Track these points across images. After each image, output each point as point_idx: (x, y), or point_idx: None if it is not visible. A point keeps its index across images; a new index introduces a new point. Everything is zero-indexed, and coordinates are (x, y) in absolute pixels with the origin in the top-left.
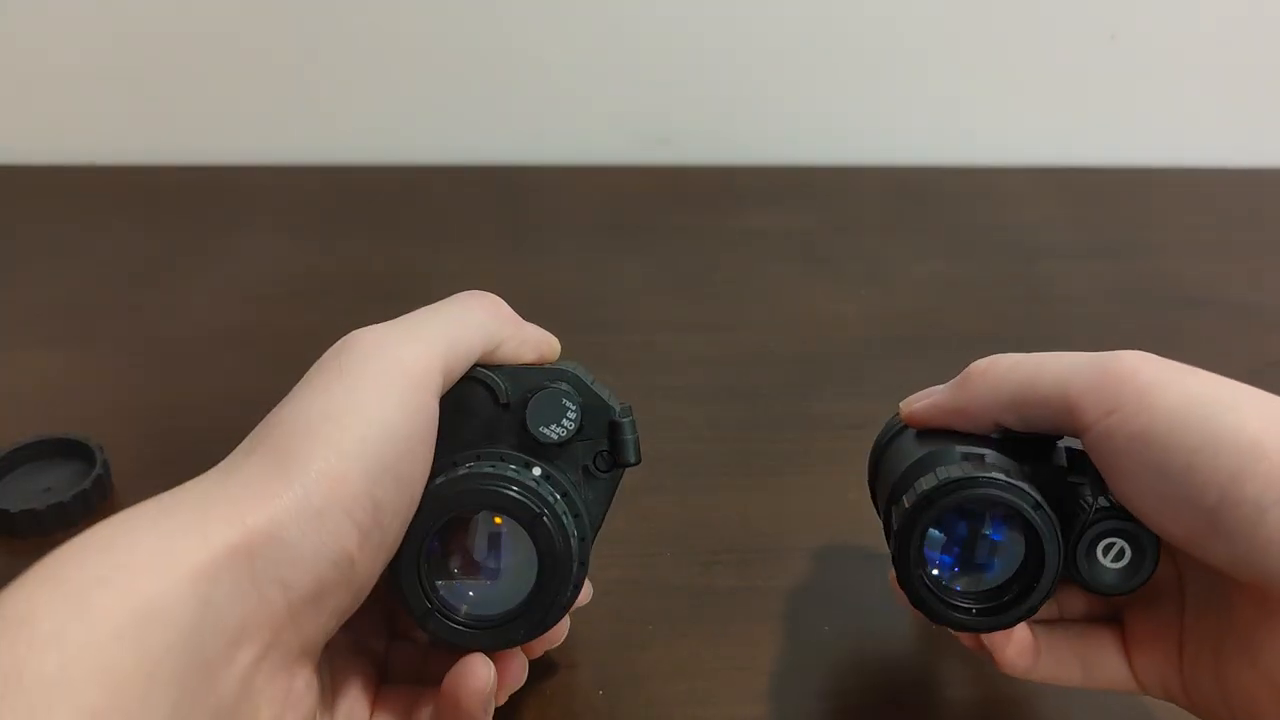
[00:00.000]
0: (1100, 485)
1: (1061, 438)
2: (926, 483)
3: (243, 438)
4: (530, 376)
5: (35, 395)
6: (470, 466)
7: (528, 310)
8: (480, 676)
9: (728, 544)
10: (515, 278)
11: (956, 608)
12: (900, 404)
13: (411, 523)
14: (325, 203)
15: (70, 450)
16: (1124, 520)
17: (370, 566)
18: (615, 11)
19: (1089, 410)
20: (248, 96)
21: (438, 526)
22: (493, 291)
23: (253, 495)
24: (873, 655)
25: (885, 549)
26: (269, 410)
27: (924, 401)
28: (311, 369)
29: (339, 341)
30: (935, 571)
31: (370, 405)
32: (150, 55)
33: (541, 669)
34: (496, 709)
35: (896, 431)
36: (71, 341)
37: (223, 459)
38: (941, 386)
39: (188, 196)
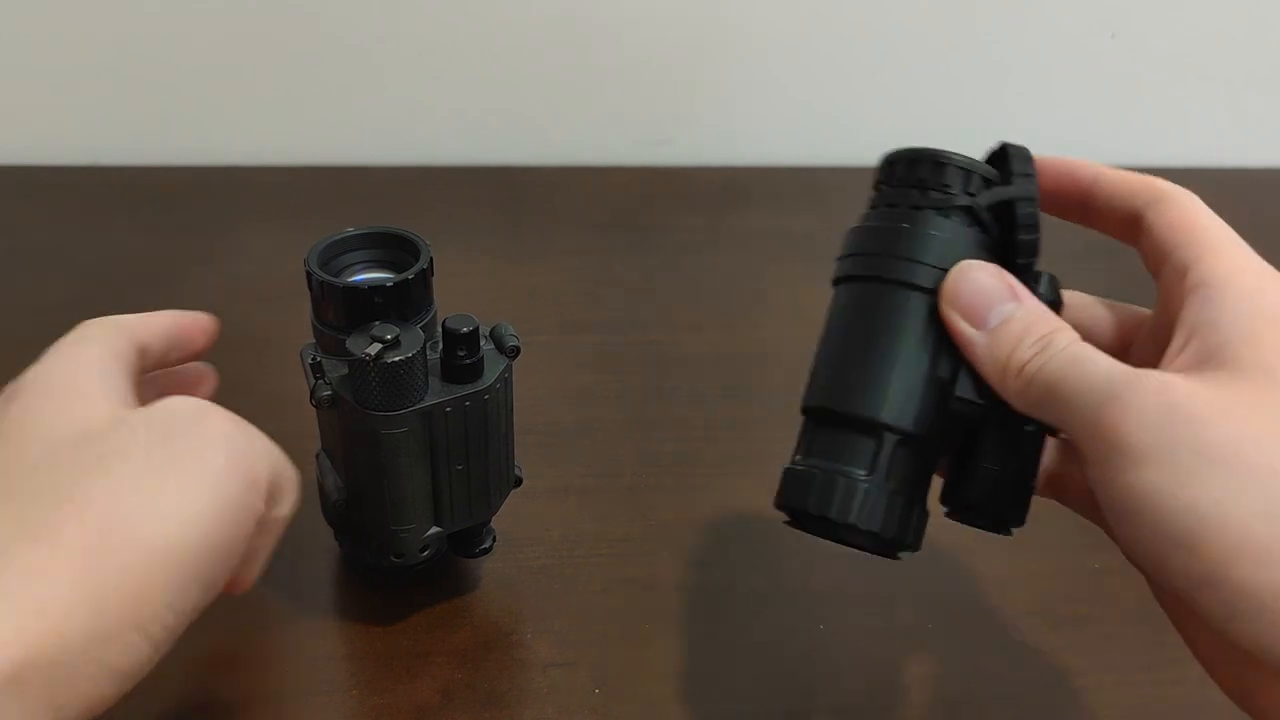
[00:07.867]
0: None
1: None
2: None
3: None
4: None
5: None
6: None
7: (527, 310)
8: None
9: (725, 543)
10: (515, 278)
11: None
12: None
13: None
14: (326, 203)
15: None
16: None
17: (155, 661)
18: (615, 12)
19: (1083, 451)
20: (248, 96)
21: None
22: (492, 291)
23: (41, 610)
24: (869, 654)
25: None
26: (269, 411)
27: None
28: (142, 417)
29: (172, 404)
30: None
31: (202, 511)
32: (150, 55)
33: (538, 667)
34: (493, 705)
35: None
36: None
37: None
38: None
39: (188, 197)
